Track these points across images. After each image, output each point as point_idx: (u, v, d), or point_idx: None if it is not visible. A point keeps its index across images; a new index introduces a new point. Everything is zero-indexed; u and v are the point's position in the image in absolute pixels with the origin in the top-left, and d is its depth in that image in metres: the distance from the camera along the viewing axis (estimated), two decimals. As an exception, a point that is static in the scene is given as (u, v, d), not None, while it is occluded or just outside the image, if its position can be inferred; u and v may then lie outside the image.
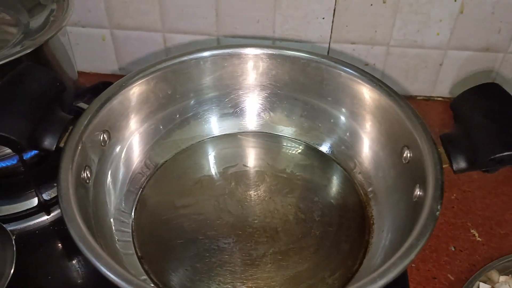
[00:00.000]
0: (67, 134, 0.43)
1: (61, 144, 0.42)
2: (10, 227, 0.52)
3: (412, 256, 0.34)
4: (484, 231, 0.55)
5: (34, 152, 0.57)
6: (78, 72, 0.75)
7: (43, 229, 0.54)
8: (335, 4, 0.65)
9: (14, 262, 0.47)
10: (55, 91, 0.42)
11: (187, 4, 0.68)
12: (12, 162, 0.56)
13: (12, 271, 0.46)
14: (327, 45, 0.69)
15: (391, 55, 0.68)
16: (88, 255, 0.33)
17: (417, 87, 0.73)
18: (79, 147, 0.42)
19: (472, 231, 0.55)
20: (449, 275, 0.51)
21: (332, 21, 0.66)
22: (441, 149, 0.43)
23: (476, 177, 0.61)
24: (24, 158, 0.55)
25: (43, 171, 0.57)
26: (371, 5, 0.64)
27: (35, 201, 0.55)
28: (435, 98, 0.73)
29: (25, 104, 0.40)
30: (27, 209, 0.54)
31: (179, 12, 0.69)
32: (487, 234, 0.55)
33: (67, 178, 0.39)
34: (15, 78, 0.41)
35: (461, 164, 0.40)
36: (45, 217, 0.55)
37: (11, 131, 0.38)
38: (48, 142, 0.41)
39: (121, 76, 0.77)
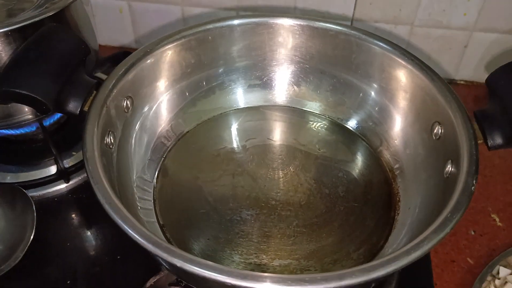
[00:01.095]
0: (91, 98, 0.42)
1: (85, 108, 0.41)
2: (29, 193, 0.52)
3: (447, 229, 0.33)
4: (505, 217, 0.54)
5: (53, 119, 0.56)
6: (94, 43, 0.75)
7: (61, 197, 0.54)
8: (361, -19, 0.64)
9: (35, 227, 0.47)
10: (80, 53, 0.42)
11: (208, -24, 0.67)
12: (31, 128, 0.55)
13: (32, 235, 0.47)
14: (349, 22, 0.68)
15: (414, 35, 0.67)
16: (114, 217, 0.33)
17: (440, 70, 0.71)
18: (103, 112, 0.41)
19: (492, 215, 0.55)
20: (468, 259, 0.51)
21: (356, -2, 0.65)
22: (475, 126, 0.42)
23: (497, 163, 0.60)
24: (44, 124, 0.54)
25: (62, 139, 0.57)
26: (398, -18, 0.63)
27: (53, 169, 0.55)
28: (458, 82, 0.72)
29: (52, 64, 0.39)
30: (46, 177, 0.54)
31: (199, -15, 0.68)
32: (507, 219, 0.54)
33: (92, 141, 0.38)
34: (41, 38, 0.40)
35: (497, 140, 0.39)
36: (64, 185, 0.55)
37: (37, 91, 0.37)
38: (73, 105, 0.40)
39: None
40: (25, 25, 0.44)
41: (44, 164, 0.55)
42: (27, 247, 0.46)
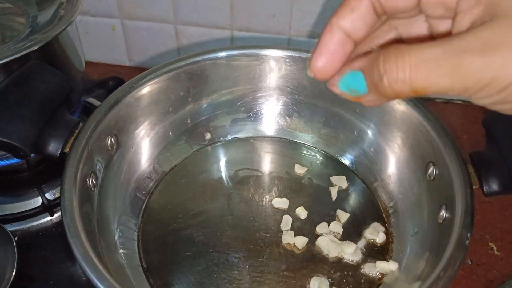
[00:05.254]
0: (72, 138, 0.40)
1: (66, 149, 0.40)
2: (12, 227, 0.51)
3: None
4: (503, 245, 0.53)
5: (38, 150, 0.55)
6: (86, 62, 0.73)
7: (46, 230, 0.52)
8: (356, 1, 0.62)
9: (16, 265, 0.45)
10: (63, 93, 0.40)
11: (201, -5, 0.66)
12: (16, 160, 0.53)
13: (13, 274, 0.45)
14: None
15: (411, 55, 0.66)
16: (90, 275, 0.32)
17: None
18: (85, 153, 0.40)
19: (490, 244, 0.53)
20: None
21: (352, 19, 0.64)
22: (470, 169, 0.40)
23: (496, 188, 0.59)
24: (28, 156, 0.53)
25: (48, 170, 0.56)
26: (394, 3, 0.61)
27: (39, 201, 0.53)
28: (455, 101, 0.71)
29: (31, 107, 0.37)
30: (31, 209, 0.53)
31: (192, 4, 0.67)
32: (506, 248, 0.53)
33: (71, 189, 0.36)
34: (21, 79, 0.39)
35: (493, 187, 0.38)
36: (49, 218, 0.53)
37: (15, 137, 0.36)
38: (53, 148, 0.39)
39: (131, 67, 0.76)
40: (7, 61, 0.42)
41: (28, 195, 0.53)
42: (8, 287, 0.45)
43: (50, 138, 0.39)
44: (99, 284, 0.31)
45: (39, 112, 0.38)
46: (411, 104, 0.45)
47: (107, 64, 0.77)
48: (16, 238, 0.49)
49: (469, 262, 0.51)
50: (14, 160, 0.53)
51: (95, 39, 0.74)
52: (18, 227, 0.51)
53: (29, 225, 0.52)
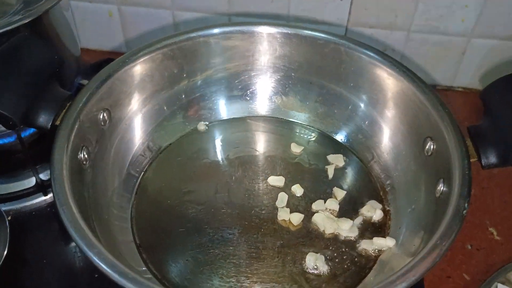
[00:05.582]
0: (64, 111, 0.40)
1: (57, 122, 0.39)
2: (5, 207, 0.51)
3: (436, 258, 0.31)
4: (503, 230, 0.53)
5: (32, 130, 0.54)
6: (83, 49, 0.73)
7: (40, 210, 0.52)
8: (355, -15, 0.62)
9: (8, 243, 0.45)
10: (53, 66, 0.40)
11: (199, -20, 0.65)
12: (10, 139, 0.53)
13: (5, 252, 0.45)
14: (344, 28, 0.66)
15: (411, 41, 0.65)
16: (79, 242, 0.31)
17: (437, 76, 0.70)
18: (76, 126, 0.40)
19: (490, 229, 0.53)
20: (464, 275, 0.49)
21: (351, 3, 0.64)
22: (468, 142, 0.40)
23: (495, 173, 0.59)
24: (22, 136, 0.53)
25: (43, 150, 0.55)
26: (393, -13, 0.61)
27: (33, 181, 0.53)
28: (456, 88, 0.70)
29: (21, 78, 0.37)
30: (24, 189, 0.52)
31: (189, -11, 0.66)
32: (506, 233, 0.52)
33: (61, 159, 0.36)
34: (10, 51, 0.38)
35: (491, 159, 0.37)
36: (43, 198, 0.53)
37: (4, 106, 0.35)
38: (43, 120, 0.38)
39: (128, 54, 0.76)
40: (-2, 33, 0.42)
41: (22, 176, 0.53)
42: (-1, 265, 0.44)
43: (41, 110, 0.38)
44: (88, 252, 0.30)
45: (29, 83, 0.38)
46: (408, 78, 0.45)
47: (104, 51, 0.76)
48: (9, 218, 0.49)
49: (469, 247, 0.51)
50: (7, 140, 0.53)
51: (92, 25, 0.73)
52: (11, 207, 0.51)
53: (22, 205, 0.52)
